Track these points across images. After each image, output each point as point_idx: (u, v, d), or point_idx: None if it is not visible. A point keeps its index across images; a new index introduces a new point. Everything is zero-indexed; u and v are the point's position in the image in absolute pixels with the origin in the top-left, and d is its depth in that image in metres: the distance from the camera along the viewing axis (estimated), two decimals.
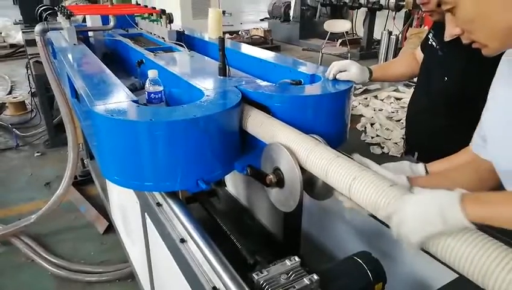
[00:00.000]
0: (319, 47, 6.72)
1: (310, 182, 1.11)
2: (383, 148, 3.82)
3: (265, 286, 0.85)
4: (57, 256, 2.35)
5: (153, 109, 1.14)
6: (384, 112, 4.68)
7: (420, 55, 1.57)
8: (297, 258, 0.92)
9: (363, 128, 4.27)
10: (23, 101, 4.89)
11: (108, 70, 1.63)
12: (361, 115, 4.62)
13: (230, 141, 1.23)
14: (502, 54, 0.92)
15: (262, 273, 0.87)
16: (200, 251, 0.98)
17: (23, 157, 3.77)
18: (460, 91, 1.21)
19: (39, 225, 2.59)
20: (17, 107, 4.83)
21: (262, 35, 8.69)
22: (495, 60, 1.10)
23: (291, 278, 0.88)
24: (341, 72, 1.47)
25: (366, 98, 5.13)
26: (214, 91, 1.30)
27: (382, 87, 5.54)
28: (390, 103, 4.97)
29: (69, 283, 2.19)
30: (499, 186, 0.96)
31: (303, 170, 1.02)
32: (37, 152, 3.81)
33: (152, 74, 1.37)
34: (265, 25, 10.03)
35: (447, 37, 1.29)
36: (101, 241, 2.51)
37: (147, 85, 1.39)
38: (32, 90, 4.51)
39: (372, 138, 4.04)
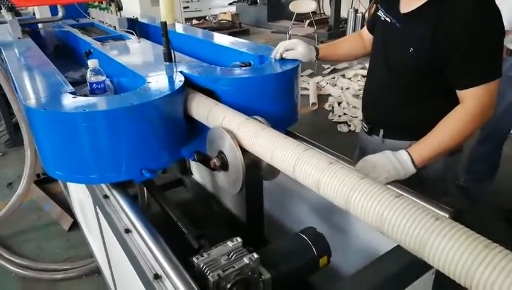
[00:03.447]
0: (287, 29, 6.67)
1: (254, 163, 1.11)
2: (349, 126, 3.87)
3: (205, 269, 0.85)
4: (21, 256, 2.29)
5: (88, 100, 1.10)
6: (351, 90, 4.72)
7: (367, 35, 1.55)
8: (239, 239, 0.93)
9: (331, 108, 4.31)
10: None
11: (49, 63, 1.57)
12: (329, 95, 4.66)
13: (174, 127, 1.21)
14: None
15: (202, 256, 0.87)
16: (142, 240, 0.97)
17: None
18: (429, 59, 1.19)
19: (1, 226, 2.52)
20: None
21: (230, 19, 8.57)
22: (464, 26, 1.10)
23: (232, 259, 0.88)
24: (288, 51, 1.47)
25: (334, 78, 5.16)
26: (155, 78, 1.28)
27: (350, 66, 5.57)
28: (358, 80, 5.02)
29: (34, 283, 2.15)
30: None
31: (247, 152, 1.02)
32: None
33: (92, 64, 1.32)
34: (233, 9, 9.86)
35: (404, 9, 1.28)
36: (66, 239, 2.46)
37: (88, 76, 1.34)
38: None
39: (339, 116, 4.08)
